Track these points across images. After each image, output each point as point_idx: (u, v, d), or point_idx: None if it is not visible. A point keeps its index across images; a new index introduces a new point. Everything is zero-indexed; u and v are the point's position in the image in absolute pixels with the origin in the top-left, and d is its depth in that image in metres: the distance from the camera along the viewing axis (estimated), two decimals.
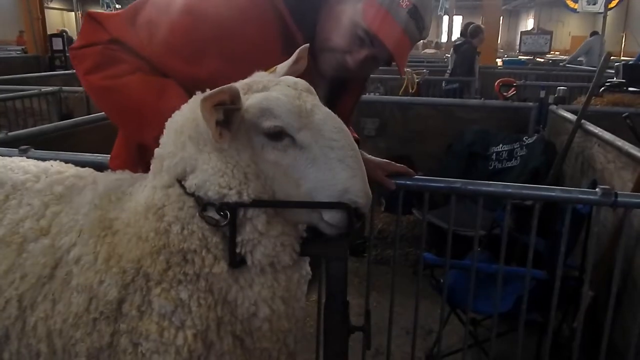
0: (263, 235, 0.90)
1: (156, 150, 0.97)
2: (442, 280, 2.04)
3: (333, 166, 0.88)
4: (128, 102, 1.13)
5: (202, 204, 0.90)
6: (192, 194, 0.90)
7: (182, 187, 0.91)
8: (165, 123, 0.98)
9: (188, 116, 0.95)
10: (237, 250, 0.90)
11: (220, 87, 0.84)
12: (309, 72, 1.14)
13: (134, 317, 0.90)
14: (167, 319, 0.89)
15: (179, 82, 1.14)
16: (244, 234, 0.90)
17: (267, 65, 1.09)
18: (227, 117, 0.87)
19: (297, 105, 0.89)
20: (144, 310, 0.90)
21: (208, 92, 0.84)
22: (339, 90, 1.29)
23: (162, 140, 0.97)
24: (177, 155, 0.92)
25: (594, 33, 9.77)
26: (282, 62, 1.07)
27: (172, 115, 0.99)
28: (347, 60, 1.16)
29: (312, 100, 0.93)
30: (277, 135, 0.89)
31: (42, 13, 10.35)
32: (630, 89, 3.87)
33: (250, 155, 0.90)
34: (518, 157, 3.35)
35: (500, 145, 3.47)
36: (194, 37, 1.12)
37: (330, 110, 0.94)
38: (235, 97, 0.86)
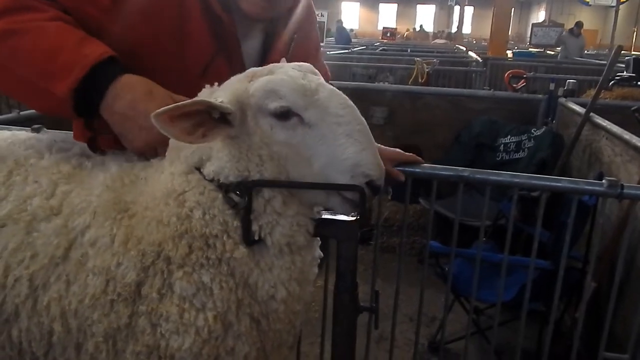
0: (281, 215, 0.92)
1: (171, 141, 0.97)
2: (447, 269, 2.06)
3: (341, 142, 0.88)
4: (40, 45, 1.00)
5: (225, 187, 0.91)
6: (211, 180, 0.91)
7: (201, 173, 0.92)
8: None
9: None
10: (258, 234, 0.92)
11: (178, 103, 0.84)
12: (234, 31, 1.13)
13: (153, 299, 0.90)
14: (188, 301, 0.89)
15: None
16: (264, 217, 0.91)
17: (186, 26, 1.08)
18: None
19: (301, 85, 0.90)
20: (164, 293, 0.90)
21: (163, 108, 0.82)
22: (271, 41, 1.26)
23: None
24: (192, 146, 0.92)
25: (577, 24, 9.58)
26: (202, 23, 1.08)
27: None
28: None
29: (316, 80, 0.93)
30: (285, 114, 0.89)
31: None
32: None
33: (260, 138, 0.91)
34: (525, 149, 3.33)
35: (508, 137, 3.45)
36: None
37: (334, 88, 0.95)
38: (211, 106, 0.86)
